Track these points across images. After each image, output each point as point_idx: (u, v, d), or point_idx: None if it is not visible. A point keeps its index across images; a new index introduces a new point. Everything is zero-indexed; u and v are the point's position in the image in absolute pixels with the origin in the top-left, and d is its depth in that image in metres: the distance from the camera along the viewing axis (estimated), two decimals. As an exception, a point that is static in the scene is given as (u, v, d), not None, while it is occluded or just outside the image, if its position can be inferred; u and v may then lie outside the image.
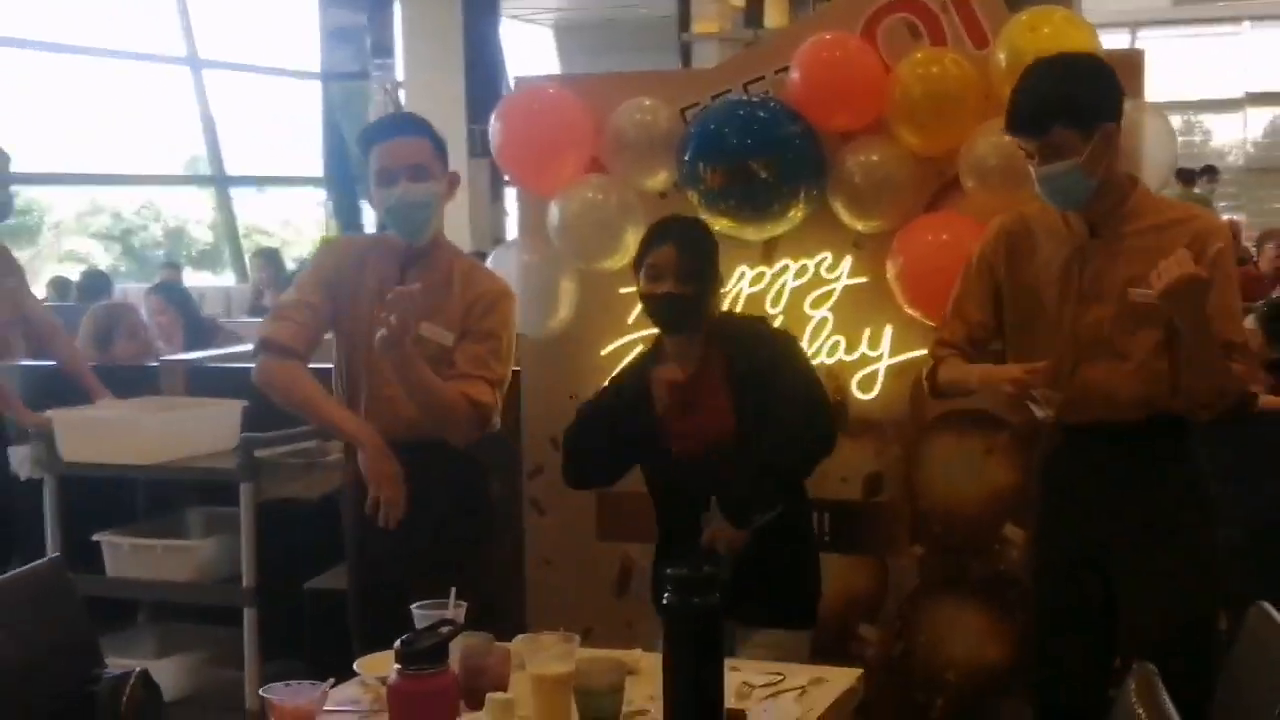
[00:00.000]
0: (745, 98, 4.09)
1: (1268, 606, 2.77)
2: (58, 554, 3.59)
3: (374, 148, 3.60)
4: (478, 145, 12.29)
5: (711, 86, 4.18)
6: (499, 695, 2.55)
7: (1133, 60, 3.96)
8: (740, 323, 3.73)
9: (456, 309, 3.60)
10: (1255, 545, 4.87)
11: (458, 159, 12.07)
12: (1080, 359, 3.30)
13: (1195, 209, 3.48)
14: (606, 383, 3.76)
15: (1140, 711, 2.30)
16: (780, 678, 2.97)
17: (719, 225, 4.01)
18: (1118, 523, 3.31)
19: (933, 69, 3.91)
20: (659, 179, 4.18)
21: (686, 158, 4.02)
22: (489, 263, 4.37)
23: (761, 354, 3.50)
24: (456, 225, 12.04)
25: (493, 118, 4.28)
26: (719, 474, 3.46)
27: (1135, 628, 3.30)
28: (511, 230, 12.75)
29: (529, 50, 14.16)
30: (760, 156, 3.91)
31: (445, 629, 2.47)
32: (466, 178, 12.23)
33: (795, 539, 3.59)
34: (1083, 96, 3.23)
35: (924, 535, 4.02)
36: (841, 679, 3.00)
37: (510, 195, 13.25)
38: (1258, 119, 16.98)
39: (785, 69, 4.07)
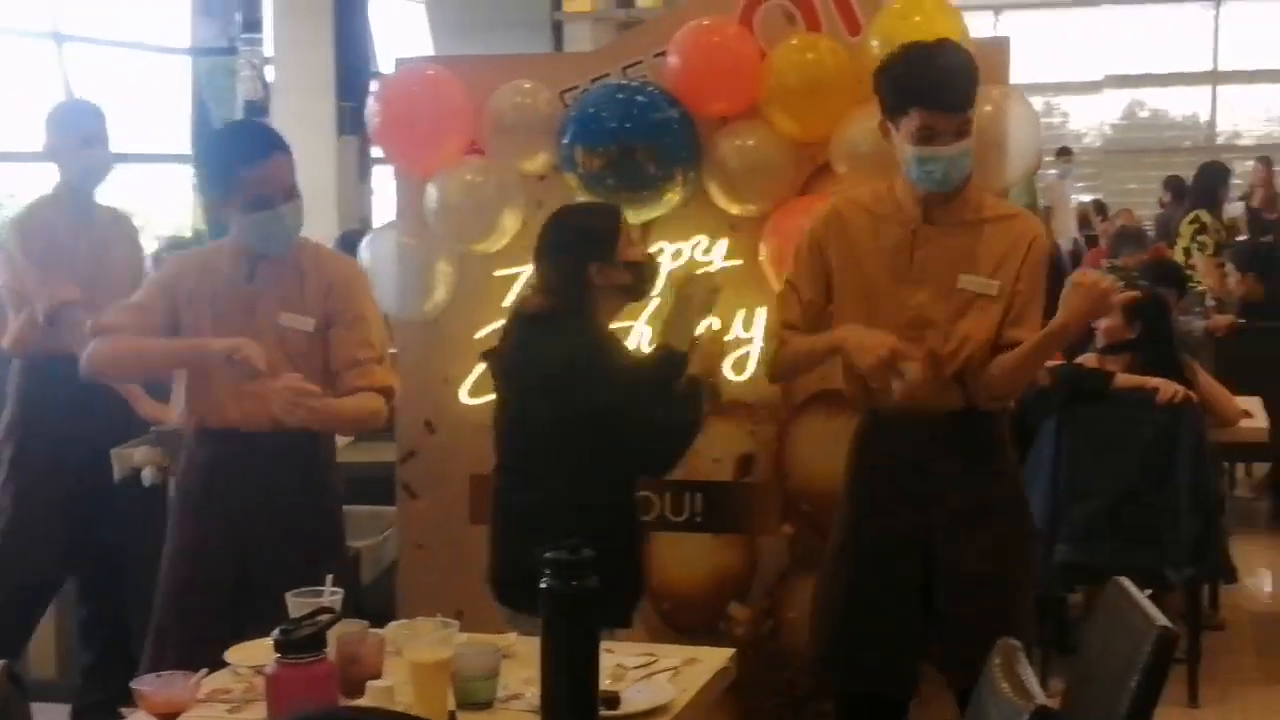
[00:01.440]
0: (624, 82, 4.11)
1: (1124, 581, 2.86)
2: None
3: (247, 169, 3.51)
4: (346, 123, 12.14)
5: (590, 70, 4.20)
6: (380, 683, 2.55)
7: (1000, 48, 4.06)
8: None
9: (313, 293, 3.61)
10: (1114, 515, 5.05)
11: (326, 136, 11.99)
12: (906, 342, 3.35)
13: (1018, 209, 3.60)
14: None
15: (1005, 685, 2.37)
16: (653, 659, 3.01)
17: (595, 208, 4.06)
18: (938, 507, 3.41)
19: (808, 55, 3.96)
20: (538, 161, 4.18)
21: (566, 141, 4.04)
22: (364, 244, 4.37)
23: None
24: (323, 205, 11.86)
25: (371, 98, 4.27)
26: None
27: (952, 609, 3.41)
28: (378, 210, 12.66)
29: (400, 27, 14.02)
30: (638, 140, 3.94)
31: (323, 617, 2.47)
32: (334, 156, 12.09)
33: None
34: (978, 80, 3.37)
35: (794, 514, 4.08)
36: (714, 659, 3.04)
37: (379, 174, 13.14)
38: (1115, 101, 17.34)
39: (663, 53, 4.09)
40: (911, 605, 3.44)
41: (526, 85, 4.18)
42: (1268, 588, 6.70)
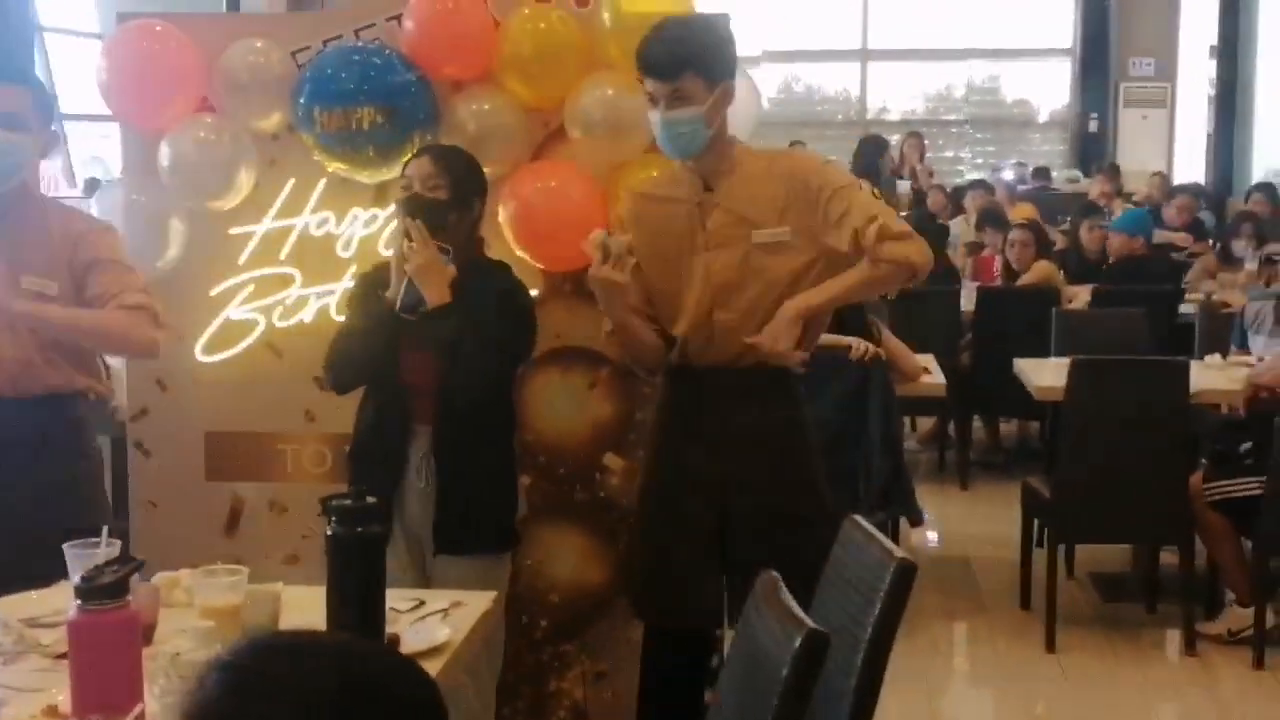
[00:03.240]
0: (359, 44, 4.17)
1: (859, 518, 3.12)
2: None
3: None
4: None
5: (322, 31, 4.24)
6: (203, 624, 2.60)
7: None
8: (490, 261, 3.84)
9: (59, 254, 3.59)
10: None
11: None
12: (714, 305, 3.60)
13: (781, 151, 3.85)
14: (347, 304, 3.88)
15: (771, 615, 2.56)
16: (421, 602, 3.13)
17: (332, 167, 4.13)
18: (742, 453, 3.64)
19: (540, 25, 4.10)
20: (272, 120, 4.20)
21: (301, 101, 4.07)
22: (94, 200, 4.33)
23: (493, 285, 3.70)
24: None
25: (99, 54, 4.20)
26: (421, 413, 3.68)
27: (744, 551, 3.62)
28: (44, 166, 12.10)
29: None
30: (376, 102, 4.01)
31: (125, 565, 2.49)
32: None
33: (496, 466, 3.78)
34: (714, 51, 3.55)
35: (531, 465, 4.23)
36: (479, 601, 3.17)
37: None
38: (772, 76, 17.97)
39: (397, 17, 4.17)
40: (707, 543, 3.66)
41: (259, 44, 4.18)
42: (936, 531, 7.24)
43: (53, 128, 3.72)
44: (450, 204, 3.67)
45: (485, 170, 4.12)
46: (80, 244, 3.60)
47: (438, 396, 3.66)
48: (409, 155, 4.05)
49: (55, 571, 2.90)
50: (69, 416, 3.67)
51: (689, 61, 3.50)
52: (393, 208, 4.14)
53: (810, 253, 3.60)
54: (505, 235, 4.11)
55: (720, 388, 3.66)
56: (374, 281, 3.77)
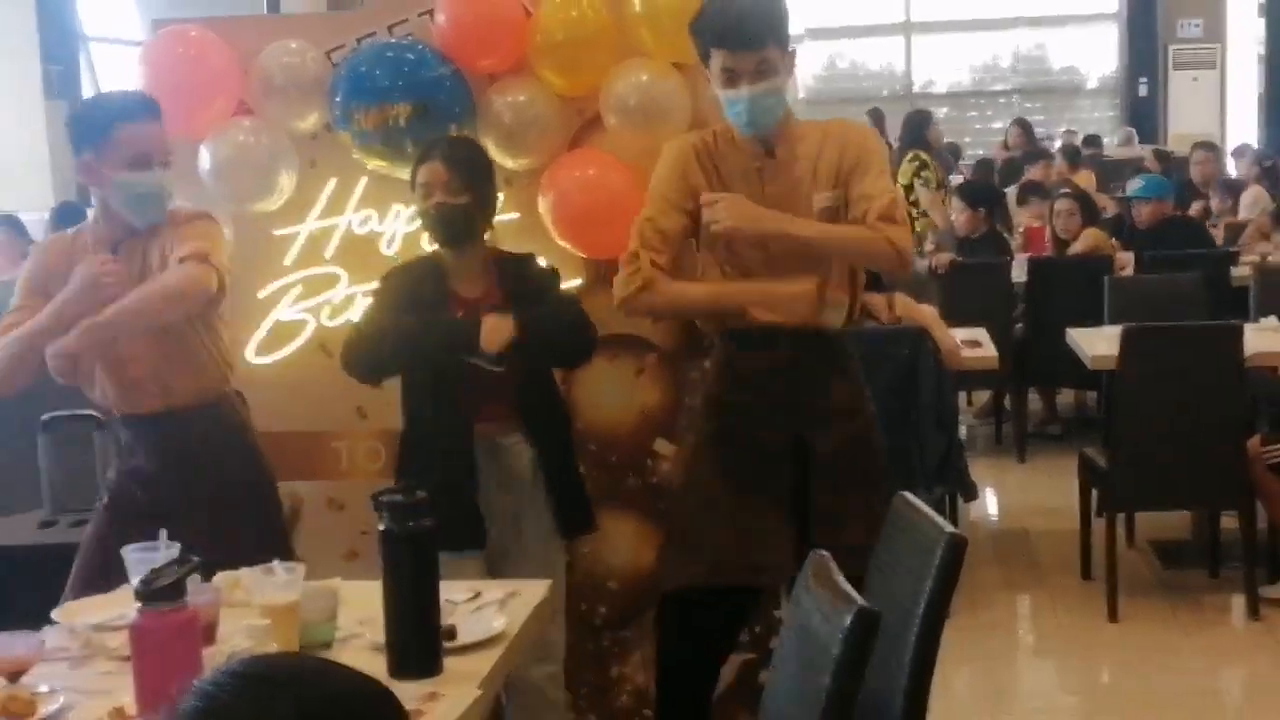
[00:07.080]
0: (393, 40, 4.19)
1: (908, 495, 3.11)
2: None
3: (124, 126, 3.55)
4: (54, 86, 11.76)
5: (356, 29, 4.26)
6: (258, 622, 2.63)
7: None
8: (516, 256, 3.85)
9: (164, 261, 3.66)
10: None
11: (33, 101, 11.57)
12: (776, 272, 3.55)
13: (832, 120, 3.73)
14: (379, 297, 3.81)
15: (823, 592, 2.56)
16: (478, 593, 3.15)
17: (372, 165, 4.15)
18: (809, 415, 3.60)
19: (571, 13, 4.09)
20: (310, 121, 4.22)
21: (338, 100, 4.08)
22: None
23: (531, 281, 3.75)
24: (36, 173, 11.46)
25: (137, 62, 4.23)
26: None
27: (828, 511, 3.59)
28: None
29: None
30: (409, 98, 4.03)
31: (182, 566, 2.53)
32: (43, 121, 11.67)
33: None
34: (783, 16, 3.49)
35: (583, 453, 4.23)
36: (534, 590, 3.19)
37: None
38: (816, 53, 17.95)
39: (428, 12, 4.18)
40: (787, 506, 3.61)
41: (294, 45, 4.20)
42: (996, 503, 7.21)
43: None
44: (475, 205, 3.68)
45: (523, 161, 4.15)
46: (177, 242, 3.64)
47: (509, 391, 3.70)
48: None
49: None
50: (229, 418, 3.85)
51: (772, 30, 3.43)
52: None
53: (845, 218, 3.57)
54: (546, 225, 4.12)
55: (782, 346, 3.59)
56: (403, 278, 3.79)
